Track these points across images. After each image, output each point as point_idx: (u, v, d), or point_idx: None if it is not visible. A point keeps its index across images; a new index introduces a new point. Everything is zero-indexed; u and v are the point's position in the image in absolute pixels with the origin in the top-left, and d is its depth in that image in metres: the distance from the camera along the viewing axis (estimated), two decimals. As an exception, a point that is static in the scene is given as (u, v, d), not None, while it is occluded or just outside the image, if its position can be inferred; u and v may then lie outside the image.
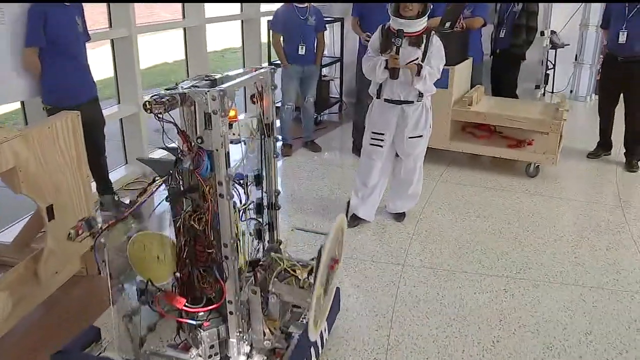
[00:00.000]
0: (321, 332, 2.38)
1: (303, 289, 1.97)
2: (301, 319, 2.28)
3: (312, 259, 2.05)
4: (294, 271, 2.01)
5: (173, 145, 1.85)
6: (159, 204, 1.95)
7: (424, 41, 3.22)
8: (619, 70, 4.73)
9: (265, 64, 6.30)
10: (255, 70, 2.08)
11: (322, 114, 6.33)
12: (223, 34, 9.07)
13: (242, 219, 2.12)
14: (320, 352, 2.41)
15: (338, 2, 6.38)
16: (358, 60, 4.83)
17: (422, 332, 2.66)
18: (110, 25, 4.29)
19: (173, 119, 1.73)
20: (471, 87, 5.12)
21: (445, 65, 3.36)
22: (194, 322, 2.00)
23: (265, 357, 2.13)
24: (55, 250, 2.70)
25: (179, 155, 1.81)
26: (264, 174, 2.25)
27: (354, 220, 3.69)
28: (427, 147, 3.61)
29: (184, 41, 5.27)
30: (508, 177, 4.65)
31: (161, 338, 2.39)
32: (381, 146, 3.49)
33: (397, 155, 3.62)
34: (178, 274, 1.97)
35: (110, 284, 1.89)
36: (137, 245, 1.94)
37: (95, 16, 4.61)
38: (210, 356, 2.05)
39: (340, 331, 2.65)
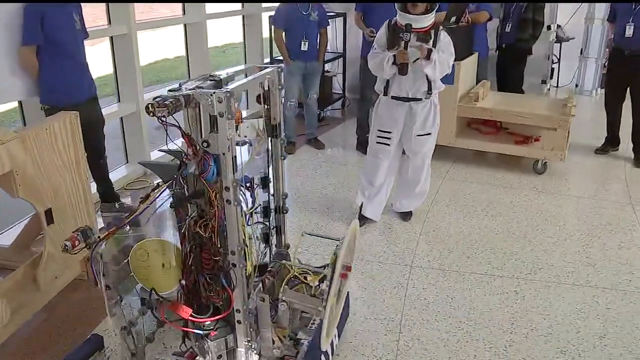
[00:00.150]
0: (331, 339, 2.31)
1: (315, 297, 1.89)
2: (310, 325, 2.22)
3: (323, 267, 1.98)
4: (305, 278, 1.93)
5: (177, 148, 1.78)
6: (160, 206, 1.87)
7: (432, 37, 3.15)
8: (626, 64, 4.66)
9: (267, 60, 6.22)
10: (260, 69, 2.00)
11: (325, 110, 6.25)
12: (224, 29, 8.98)
13: (249, 223, 2.04)
14: (330, 359, 2.35)
15: (339, 2, 6.28)
16: (361, 56, 4.75)
17: (432, 337, 2.59)
18: (110, 22, 4.21)
19: (177, 122, 1.65)
20: (476, 83, 5.03)
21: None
22: (200, 332, 1.92)
23: (274, 366, 2.06)
24: (54, 254, 2.64)
25: (184, 159, 1.74)
26: (270, 176, 2.18)
27: (361, 220, 3.62)
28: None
29: (185, 37, 5.19)
30: (515, 174, 4.57)
31: (164, 345, 2.33)
32: (388, 144, 3.42)
33: (403, 153, 3.55)
34: (183, 282, 1.90)
35: (107, 295, 1.82)
36: (140, 254, 1.86)
37: (96, 11, 4.53)
38: (217, 366, 1.98)
39: (348, 336, 2.58)
